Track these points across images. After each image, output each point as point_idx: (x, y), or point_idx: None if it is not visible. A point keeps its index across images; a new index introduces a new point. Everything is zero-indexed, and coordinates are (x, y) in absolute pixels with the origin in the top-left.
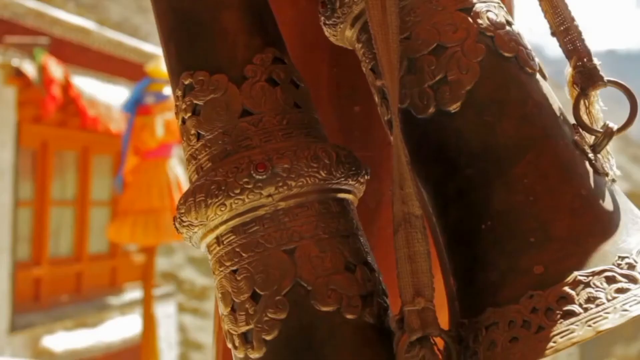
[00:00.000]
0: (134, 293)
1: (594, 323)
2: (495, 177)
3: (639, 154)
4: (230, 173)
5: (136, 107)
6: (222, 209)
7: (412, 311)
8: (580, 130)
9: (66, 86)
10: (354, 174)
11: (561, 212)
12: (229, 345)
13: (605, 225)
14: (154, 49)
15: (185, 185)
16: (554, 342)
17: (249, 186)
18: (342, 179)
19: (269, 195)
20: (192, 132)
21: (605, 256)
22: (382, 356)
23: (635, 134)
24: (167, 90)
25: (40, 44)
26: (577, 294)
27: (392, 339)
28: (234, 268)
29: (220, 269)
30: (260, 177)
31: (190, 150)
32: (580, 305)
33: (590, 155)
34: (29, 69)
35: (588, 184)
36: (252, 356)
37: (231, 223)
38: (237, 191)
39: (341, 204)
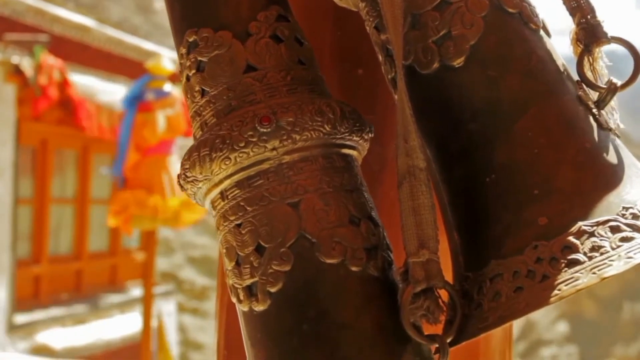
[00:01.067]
0: (133, 291)
1: (599, 270)
2: (499, 132)
3: (639, 154)
4: (234, 127)
5: (137, 104)
6: (227, 162)
7: (416, 263)
8: (584, 86)
9: (63, 85)
10: (358, 130)
11: (565, 165)
12: (233, 300)
13: (609, 177)
14: (154, 47)
15: None
16: (559, 289)
17: (254, 139)
18: (346, 134)
19: (274, 149)
20: (197, 89)
21: (609, 207)
22: (386, 308)
23: (635, 134)
24: (168, 87)
25: (40, 42)
26: (582, 244)
27: (396, 291)
28: (239, 222)
29: (225, 224)
30: (265, 130)
31: (195, 107)
32: (584, 254)
33: (594, 110)
34: (27, 67)
35: (592, 138)
36: (256, 309)
37: (236, 177)
38: (242, 144)
39: (345, 160)
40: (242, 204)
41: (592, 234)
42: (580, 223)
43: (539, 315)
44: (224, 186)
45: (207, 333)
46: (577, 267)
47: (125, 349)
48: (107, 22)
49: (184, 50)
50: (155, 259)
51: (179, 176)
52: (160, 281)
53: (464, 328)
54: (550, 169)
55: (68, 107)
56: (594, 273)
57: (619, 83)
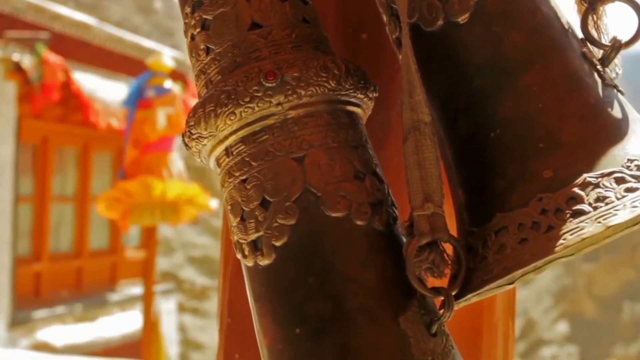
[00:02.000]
0: (134, 289)
1: (604, 219)
2: (503, 87)
3: None
4: (240, 82)
5: (137, 101)
6: (232, 118)
7: (421, 216)
8: (588, 44)
9: (66, 83)
10: (363, 87)
11: (570, 119)
12: (238, 256)
13: (613, 131)
14: (155, 45)
15: (187, 179)
16: (564, 239)
17: (259, 94)
18: (351, 91)
19: (279, 104)
20: (201, 47)
21: (614, 159)
22: (391, 261)
23: None
24: (168, 84)
25: (41, 39)
26: (587, 194)
27: (401, 246)
28: (244, 177)
29: (230, 180)
30: (270, 85)
31: (200, 66)
32: (589, 204)
33: (599, 67)
34: (27, 64)
35: (596, 93)
36: (261, 263)
37: (241, 133)
38: (247, 99)
39: (350, 117)
40: (247, 159)
41: (597, 185)
42: (585, 175)
43: (539, 315)
44: (229, 142)
45: (207, 333)
46: (582, 217)
47: (126, 347)
48: (107, 21)
49: (188, 10)
50: (156, 257)
51: (183, 134)
52: (160, 281)
53: (468, 281)
54: (555, 123)
55: (71, 104)
56: (599, 222)
57: (623, 40)
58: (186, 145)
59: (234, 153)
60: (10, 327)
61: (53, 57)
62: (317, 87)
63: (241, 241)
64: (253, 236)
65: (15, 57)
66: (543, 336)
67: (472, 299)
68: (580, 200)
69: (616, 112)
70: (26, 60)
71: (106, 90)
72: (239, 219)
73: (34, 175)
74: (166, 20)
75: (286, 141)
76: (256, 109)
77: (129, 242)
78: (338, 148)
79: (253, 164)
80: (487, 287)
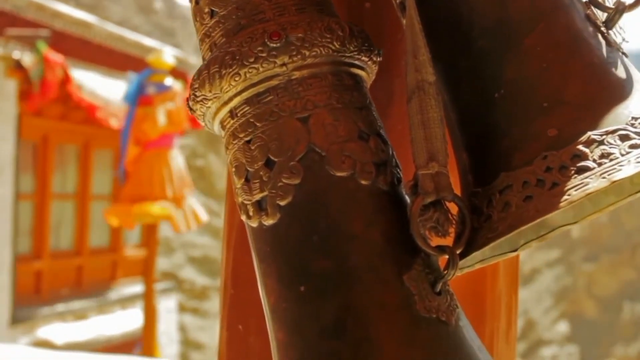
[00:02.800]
0: (134, 287)
1: (608, 175)
2: (507, 48)
3: None
4: (244, 43)
5: (137, 98)
6: (237, 78)
7: (425, 175)
8: (592, 7)
9: (65, 81)
10: (367, 50)
11: (573, 79)
12: (243, 218)
13: (617, 91)
14: (155, 43)
15: (187, 176)
16: (569, 195)
17: (263, 54)
18: (355, 53)
19: (283, 64)
20: (206, 10)
21: (618, 117)
22: (395, 221)
23: None
24: (169, 81)
25: (42, 36)
26: (591, 152)
27: (405, 207)
28: (248, 138)
29: (234, 142)
30: (275, 46)
31: (204, 29)
32: (594, 160)
33: (603, 29)
34: (28, 62)
35: (600, 54)
36: (266, 223)
37: (245, 94)
38: (251, 60)
39: (354, 79)
40: (251, 120)
41: (601, 143)
42: (589, 133)
43: (539, 315)
44: (234, 104)
45: (208, 333)
46: (587, 173)
47: (126, 345)
48: (107, 21)
49: None
50: (157, 255)
51: (187, 99)
52: (160, 280)
53: (473, 239)
54: (558, 83)
55: (72, 102)
56: (603, 177)
57: (627, 2)
58: (190, 109)
59: (239, 114)
60: (11, 324)
61: (54, 55)
62: (321, 48)
63: (245, 202)
64: (258, 196)
65: (16, 54)
66: (543, 336)
67: (475, 265)
68: (584, 157)
69: (620, 73)
70: (26, 58)
71: (106, 88)
72: (243, 180)
73: (34, 173)
74: (166, 20)
75: (290, 102)
76: (260, 69)
77: (129, 240)
78: (342, 109)
79: (257, 124)
80: (492, 245)
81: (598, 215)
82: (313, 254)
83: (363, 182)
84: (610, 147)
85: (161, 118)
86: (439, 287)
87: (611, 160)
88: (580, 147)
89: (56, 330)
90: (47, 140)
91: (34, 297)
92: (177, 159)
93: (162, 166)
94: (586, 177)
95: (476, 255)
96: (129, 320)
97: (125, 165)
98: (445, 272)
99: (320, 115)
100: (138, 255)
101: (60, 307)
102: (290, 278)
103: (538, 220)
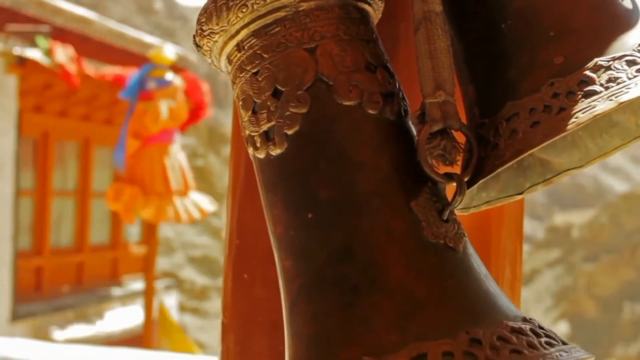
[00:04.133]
0: (135, 284)
1: (616, 97)
2: None
3: (639, 154)
4: None
5: (138, 93)
6: (244, 10)
7: (433, 103)
8: None
9: (78, 62)
10: None
11: (581, 8)
12: (250, 150)
13: (624, 20)
14: (155, 40)
15: (188, 171)
16: (576, 117)
17: None
18: None
19: None
20: None
21: (624, 44)
22: (403, 150)
23: None
24: (169, 76)
25: (42, 32)
26: (598, 77)
27: (413, 137)
28: (255, 70)
29: (241, 75)
30: None
31: None
32: (601, 85)
33: None
34: (36, 54)
35: None
36: (273, 153)
37: (252, 26)
38: None
39: (361, 13)
40: (258, 52)
41: (608, 68)
42: (596, 59)
43: (539, 315)
44: (241, 37)
45: (208, 332)
46: (594, 97)
47: (127, 342)
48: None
49: None
50: (157, 252)
51: (194, 35)
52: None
53: (480, 167)
54: (565, 11)
55: (73, 99)
56: (610, 99)
57: None
58: (197, 45)
59: (246, 47)
60: (11, 321)
61: (58, 46)
62: None
63: (253, 134)
64: (265, 126)
65: (17, 50)
66: None
67: (481, 206)
68: (591, 82)
69: (627, 3)
70: (32, 52)
71: None
72: (250, 112)
73: (34, 169)
74: (166, 20)
75: (298, 32)
76: (268, 0)
77: (130, 237)
78: (349, 40)
79: (265, 56)
80: (499, 170)
81: (603, 159)
82: (321, 182)
83: (370, 111)
84: (617, 72)
85: (162, 113)
86: (446, 215)
87: (618, 83)
88: (588, 72)
89: (56, 327)
90: (47, 136)
91: (34, 294)
92: (178, 155)
93: (163, 161)
94: (593, 100)
95: (482, 195)
96: (129, 317)
97: (124, 156)
98: (453, 199)
99: (327, 45)
100: (138, 253)
101: (60, 303)
102: (298, 206)
103: (546, 144)
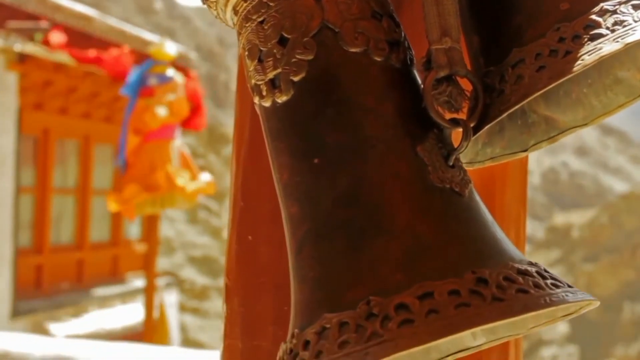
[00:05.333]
0: (135, 282)
1: (622, 39)
2: None
3: (639, 155)
4: None
5: (139, 89)
6: None
7: (439, 49)
8: None
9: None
10: None
11: None
12: (256, 100)
13: None
14: (156, 38)
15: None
16: (582, 59)
17: None
18: None
19: None
20: None
21: None
22: (409, 97)
23: (635, 134)
24: (170, 72)
25: (42, 29)
26: (604, 20)
27: (419, 85)
28: (261, 19)
29: (247, 25)
30: None
31: None
32: (607, 28)
33: None
34: (33, 48)
35: None
36: (279, 100)
37: None
38: None
39: None
40: (264, 0)
41: (614, 12)
42: (602, 4)
43: None
44: None
45: (208, 332)
46: (600, 39)
47: (127, 340)
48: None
49: None
50: (157, 249)
51: None
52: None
53: (486, 113)
54: None
55: (73, 96)
56: (617, 41)
57: None
58: None
59: None
60: (11, 318)
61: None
62: None
63: (259, 82)
64: (271, 74)
65: (17, 47)
66: (543, 336)
67: (486, 162)
68: (597, 25)
69: None
70: (30, 48)
71: None
72: (256, 61)
73: (35, 166)
74: (166, 20)
75: None
76: None
77: (130, 235)
78: None
79: (270, 4)
80: (504, 115)
81: (607, 117)
82: (326, 127)
83: (376, 58)
84: (624, 15)
85: (162, 109)
86: (452, 160)
87: (624, 26)
88: (594, 17)
89: (56, 324)
90: (47, 134)
91: (34, 291)
92: (179, 150)
93: (163, 157)
94: (599, 43)
95: (487, 151)
96: (130, 314)
97: (126, 155)
98: (459, 145)
99: None
100: (139, 250)
101: (60, 300)
102: (304, 152)
103: (552, 86)
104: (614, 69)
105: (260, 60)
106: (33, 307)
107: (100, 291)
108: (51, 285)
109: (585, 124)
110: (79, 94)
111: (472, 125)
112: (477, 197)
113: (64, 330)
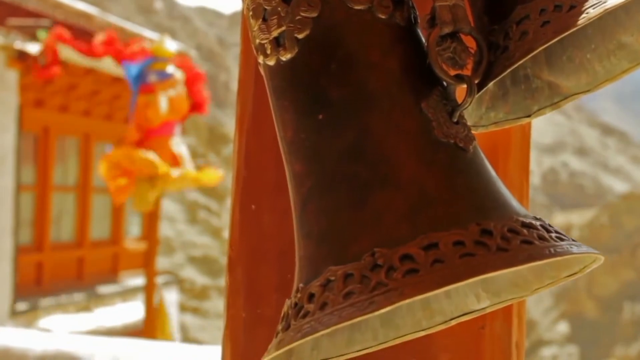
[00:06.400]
0: (135, 280)
1: None
2: None
3: (639, 155)
4: None
5: (139, 86)
6: None
7: (443, 6)
8: None
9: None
10: None
11: None
12: (260, 60)
13: None
14: (156, 36)
15: (188, 161)
16: (587, 13)
17: None
18: None
19: None
20: None
21: None
22: (413, 54)
23: (635, 134)
24: (170, 69)
25: (43, 26)
26: None
27: (423, 43)
28: None
29: None
30: None
31: None
32: None
33: None
34: (33, 48)
35: None
36: (284, 58)
37: None
38: None
39: None
40: None
41: None
42: None
43: (539, 316)
44: None
45: (208, 332)
46: None
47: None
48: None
49: None
50: (157, 247)
51: None
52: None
53: (490, 70)
54: None
55: (73, 93)
56: None
57: None
58: None
59: None
60: (12, 315)
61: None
62: None
63: (263, 41)
64: (275, 32)
65: (18, 44)
66: (543, 336)
67: (490, 126)
68: None
69: None
70: (30, 47)
71: None
72: (260, 20)
73: (35, 164)
74: (166, 20)
75: None
76: None
77: (130, 234)
78: None
79: None
80: (508, 70)
81: (610, 83)
82: (331, 82)
83: (380, 15)
84: None
85: (163, 105)
86: (456, 117)
87: None
88: None
89: (57, 322)
90: (48, 131)
91: (34, 289)
92: (178, 146)
93: (164, 153)
94: None
95: (490, 115)
96: (130, 312)
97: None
98: (463, 101)
99: None
100: (139, 248)
101: (61, 298)
102: (309, 108)
103: (556, 39)
104: (618, 34)
105: (264, 19)
106: (33, 304)
107: (101, 289)
108: (51, 282)
109: (589, 90)
110: (80, 92)
111: (476, 81)
112: (482, 154)
113: (64, 328)
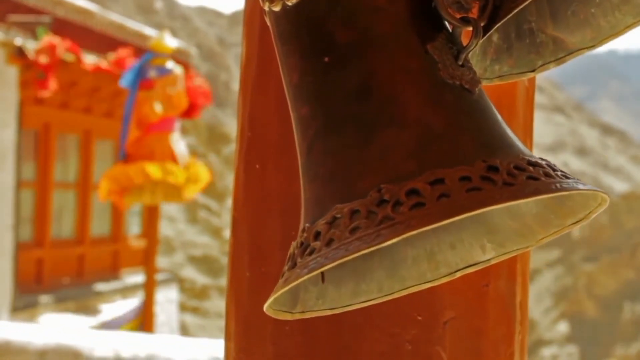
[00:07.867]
0: (135, 277)
1: None
2: None
3: (639, 155)
4: None
5: (139, 81)
6: None
7: None
8: None
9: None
10: None
11: None
12: (265, 7)
13: None
14: (155, 33)
15: (188, 158)
16: None
17: None
18: None
19: None
20: None
21: None
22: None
23: (635, 134)
24: (170, 64)
25: (43, 23)
26: None
27: None
28: None
29: None
30: None
31: None
32: None
33: None
34: (30, 49)
35: None
36: (289, 3)
37: None
38: None
39: None
40: None
41: None
42: None
43: (539, 315)
44: None
45: (208, 332)
46: None
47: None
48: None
49: None
50: (157, 245)
51: None
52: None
53: (496, 13)
54: None
55: (73, 91)
56: None
57: None
58: None
59: None
60: (12, 312)
61: (55, 40)
62: None
63: None
64: None
65: (18, 41)
66: (543, 336)
67: (494, 80)
68: None
69: None
70: (29, 46)
71: None
72: None
73: (35, 161)
74: (167, 20)
75: None
76: None
77: (130, 231)
78: None
79: None
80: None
81: (615, 38)
82: (337, 25)
83: None
84: None
85: (162, 101)
86: (462, 59)
87: None
88: None
89: (57, 319)
90: (48, 128)
91: (35, 285)
92: (178, 143)
93: (163, 149)
94: None
95: (495, 68)
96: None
97: (125, 147)
98: (469, 43)
99: None
100: (139, 246)
101: (61, 295)
102: (314, 51)
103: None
104: None
105: None
106: (33, 301)
107: (101, 286)
108: (52, 279)
109: (593, 45)
110: (80, 89)
111: (482, 24)
112: (487, 97)
113: (64, 324)
